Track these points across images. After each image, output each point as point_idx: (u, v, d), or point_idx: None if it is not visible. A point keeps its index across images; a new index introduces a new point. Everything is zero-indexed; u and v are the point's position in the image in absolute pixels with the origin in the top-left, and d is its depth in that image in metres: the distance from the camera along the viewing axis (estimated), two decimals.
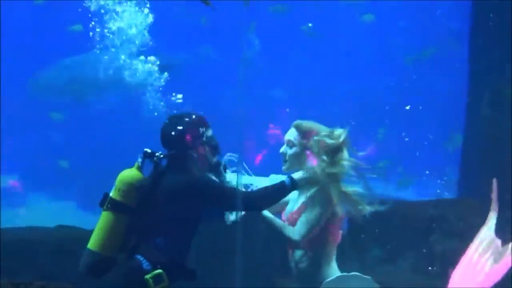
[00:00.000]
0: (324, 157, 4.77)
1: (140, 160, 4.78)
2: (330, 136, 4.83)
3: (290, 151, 4.96)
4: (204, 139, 4.80)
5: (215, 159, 4.86)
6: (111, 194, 4.75)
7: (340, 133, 4.85)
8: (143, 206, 4.70)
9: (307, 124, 4.98)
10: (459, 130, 11.16)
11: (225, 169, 4.93)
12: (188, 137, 4.76)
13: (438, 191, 13.73)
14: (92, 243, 4.75)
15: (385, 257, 9.09)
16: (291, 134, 4.99)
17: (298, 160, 4.92)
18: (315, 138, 4.87)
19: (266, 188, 4.77)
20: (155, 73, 13.92)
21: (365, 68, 15.27)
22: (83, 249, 9.04)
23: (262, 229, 7.37)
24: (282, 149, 5.00)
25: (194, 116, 4.84)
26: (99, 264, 4.71)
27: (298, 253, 4.94)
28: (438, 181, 14.34)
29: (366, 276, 5.12)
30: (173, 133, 4.79)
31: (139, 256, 4.64)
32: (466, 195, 10.43)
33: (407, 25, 15.26)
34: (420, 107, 14.70)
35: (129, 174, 4.73)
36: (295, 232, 4.79)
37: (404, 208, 9.39)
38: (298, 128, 4.98)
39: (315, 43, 14.54)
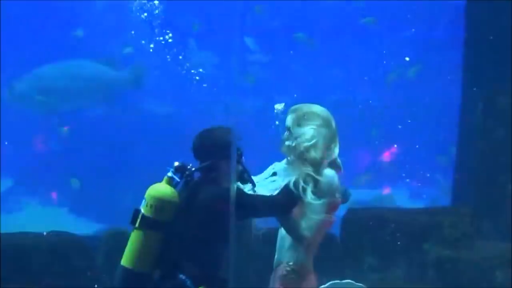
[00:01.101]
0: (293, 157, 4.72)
1: (170, 174, 4.68)
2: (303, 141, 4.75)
3: (289, 137, 4.87)
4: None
5: (239, 168, 4.82)
6: (142, 211, 4.61)
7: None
8: (179, 221, 4.61)
9: (299, 112, 4.81)
10: (453, 139, 11.17)
11: (250, 176, 4.88)
12: (220, 149, 4.71)
13: (432, 199, 13.75)
14: (125, 260, 4.64)
15: (378, 264, 9.09)
16: (288, 121, 4.85)
17: (294, 148, 4.83)
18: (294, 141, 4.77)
19: (285, 188, 4.71)
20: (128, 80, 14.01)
21: (355, 78, 15.28)
22: (76, 254, 9.10)
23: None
24: (283, 137, 4.90)
25: (225, 129, 4.79)
26: (134, 281, 4.61)
27: (281, 232, 4.83)
28: (432, 189, 14.36)
29: (359, 284, 5.12)
30: (206, 145, 4.75)
31: (180, 275, 4.59)
32: (460, 203, 10.44)
33: (399, 33, 15.28)
34: (414, 115, 14.73)
35: (161, 189, 4.61)
36: (304, 229, 4.69)
37: (397, 216, 9.39)
38: (292, 114, 4.86)
39: (308, 50, 14.54)
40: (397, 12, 14.84)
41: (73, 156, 14.34)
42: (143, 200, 4.61)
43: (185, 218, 4.60)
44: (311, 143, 4.69)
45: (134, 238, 4.61)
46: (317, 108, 4.86)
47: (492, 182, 10.04)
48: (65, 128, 14.09)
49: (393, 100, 14.22)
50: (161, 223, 4.56)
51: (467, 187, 10.50)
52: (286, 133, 4.83)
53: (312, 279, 4.73)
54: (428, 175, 14.55)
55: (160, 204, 4.56)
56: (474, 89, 10.49)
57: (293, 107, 4.88)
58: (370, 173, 12.92)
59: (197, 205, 4.61)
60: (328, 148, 4.74)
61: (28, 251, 8.82)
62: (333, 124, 4.82)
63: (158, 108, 14.96)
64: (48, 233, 9.41)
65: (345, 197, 4.91)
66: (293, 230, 4.68)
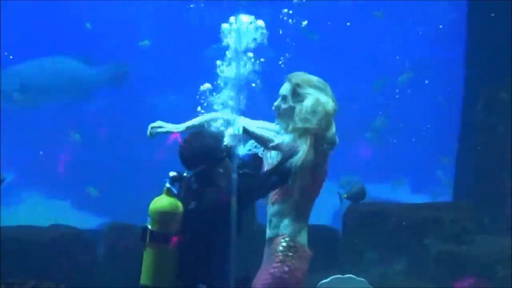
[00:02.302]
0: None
1: (168, 185, 4.60)
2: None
3: (283, 106, 4.76)
4: (225, 152, 4.71)
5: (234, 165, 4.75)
6: (150, 227, 4.56)
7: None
8: (188, 230, 4.56)
9: (298, 78, 4.64)
10: (454, 135, 11.18)
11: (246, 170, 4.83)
12: (212, 155, 4.64)
13: (433, 194, 13.76)
14: (144, 278, 4.56)
15: (380, 259, 9.10)
16: (285, 89, 4.69)
17: (289, 117, 4.63)
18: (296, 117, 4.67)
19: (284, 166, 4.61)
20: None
21: (359, 74, 15.30)
22: (77, 248, 9.12)
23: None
24: (276, 103, 4.80)
25: (212, 133, 4.71)
26: None
27: (273, 209, 4.75)
28: (433, 185, 14.37)
29: (360, 278, 5.13)
30: (197, 153, 4.66)
31: (200, 285, 4.55)
32: (461, 198, 10.45)
33: (401, 29, 15.28)
34: (416, 111, 14.75)
35: (163, 202, 4.57)
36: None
37: (399, 211, 9.40)
38: (290, 82, 4.67)
39: (311, 43, 14.51)
40: (401, 9, 14.85)
41: (75, 150, 14.37)
42: (148, 216, 4.58)
43: (194, 225, 4.56)
44: (311, 112, 4.54)
45: (148, 255, 4.56)
46: (314, 78, 4.70)
47: (493, 177, 10.05)
48: (77, 135, 14.12)
49: (396, 96, 14.22)
50: (171, 235, 4.54)
51: (468, 183, 10.51)
52: (281, 100, 4.69)
53: (308, 254, 4.64)
54: (430, 170, 14.56)
55: (164, 217, 4.53)
56: (476, 85, 10.50)
57: (289, 75, 4.71)
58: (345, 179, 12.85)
59: (203, 210, 4.58)
60: (329, 119, 4.58)
61: (29, 244, 8.84)
62: (332, 94, 4.66)
63: (163, 102, 14.95)
64: (49, 226, 9.43)
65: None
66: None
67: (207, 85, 4.72)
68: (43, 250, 8.87)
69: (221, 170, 4.65)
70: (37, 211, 13.30)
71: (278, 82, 4.79)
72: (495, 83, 10.17)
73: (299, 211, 4.62)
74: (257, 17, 4.70)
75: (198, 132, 4.78)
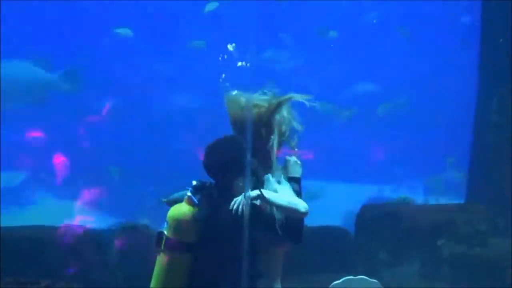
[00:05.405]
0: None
1: (189, 194, 4.52)
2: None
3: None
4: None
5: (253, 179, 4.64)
6: (166, 233, 4.48)
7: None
8: (205, 241, 4.50)
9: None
10: (467, 136, 11.15)
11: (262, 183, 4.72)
12: (236, 166, 4.51)
13: (446, 195, 13.73)
14: (155, 283, 4.50)
15: (392, 261, 9.09)
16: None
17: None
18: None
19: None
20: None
21: (374, 75, 15.27)
22: (89, 248, 9.14)
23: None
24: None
25: (238, 142, 4.60)
26: None
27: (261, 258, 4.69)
28: (446, 186, 14.34)
29: (372, 280, 5.10)
30: (222, 162, 4.56)
31: None
32: (474, 200, 10.42)
33: (415, 28, 15.25)
34: (430, 112, 14.73)
35: (181, 210, 4.51)
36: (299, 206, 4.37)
37: (411, 212, 9.39)
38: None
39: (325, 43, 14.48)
40: (414, 9, 14.84)
41: (90, 150, 14.43)
42: (165, 222, 4.52)
43: (212, 238, 4.50)
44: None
45: (161, 261, 4.51)
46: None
47: (506, 179, 10.01)
48: (116, 169, 14.18)
49: (410, 96, 14.21)
50: (186, 244, 4.48)
51: (481, 184, 10.48)
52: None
53: None
54: (442, 171, 14.53)
55: (179, 224, 4.48)
56: (490, 86, 10.48)
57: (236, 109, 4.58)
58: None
59: (223, 223, 4.48)
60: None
61: (42, 244, 8.88)
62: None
63: (188, 103, 14.98)
64: (61, 226, 9.46)
65: None
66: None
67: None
68: (56, 250, 8.91)
69: (241, 184, 4.53)
70: (51, 211, 13.35)
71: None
72: (510, 84, 10.15)
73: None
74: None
75: (224, 139, 4.67)
